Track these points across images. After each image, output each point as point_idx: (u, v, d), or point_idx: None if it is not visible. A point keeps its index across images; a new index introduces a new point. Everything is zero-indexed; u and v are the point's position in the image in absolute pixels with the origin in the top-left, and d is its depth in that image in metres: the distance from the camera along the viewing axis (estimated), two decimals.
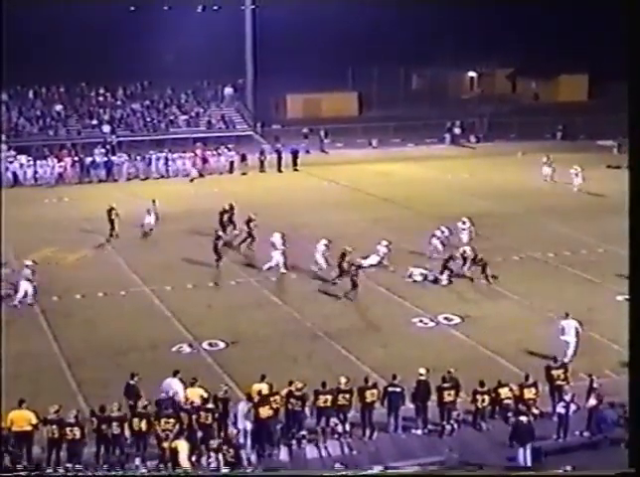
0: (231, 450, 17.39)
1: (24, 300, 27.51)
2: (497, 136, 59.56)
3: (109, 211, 35.19)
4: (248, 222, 33.52)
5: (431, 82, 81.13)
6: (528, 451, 18.11)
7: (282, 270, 30.55)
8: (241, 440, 18.40)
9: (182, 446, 17.59)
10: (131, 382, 19.80)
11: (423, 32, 72.36)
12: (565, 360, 22.15)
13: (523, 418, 18.38)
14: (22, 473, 17.08)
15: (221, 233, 32.29)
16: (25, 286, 27.63)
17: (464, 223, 33.32)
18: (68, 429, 17.68)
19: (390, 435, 19.54)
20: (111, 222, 35.01)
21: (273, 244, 30.99)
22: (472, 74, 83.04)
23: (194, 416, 18.48)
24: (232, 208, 35.29)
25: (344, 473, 17.89)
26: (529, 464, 17.99)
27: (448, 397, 19.48)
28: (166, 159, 48.79)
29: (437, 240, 31.85)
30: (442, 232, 32.27)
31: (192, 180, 47.62)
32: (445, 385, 19.56)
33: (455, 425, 19.57)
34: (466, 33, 73.40)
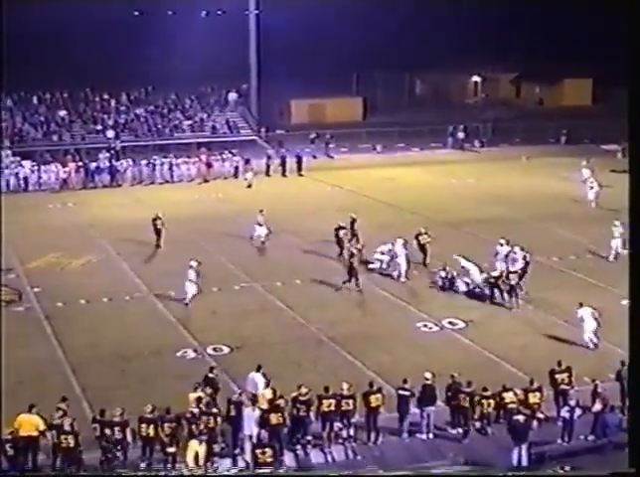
0: (267, 450, 17.45)
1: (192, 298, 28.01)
2: (501, 141, 59.45)
3: (154, 220, 34.34)
4: (418, 236, 31.71)
5: (435, 87, 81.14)
6: (524, 451, 18.13)
7: (402, 279, 30.19)
8: (247, 446, 18.44)
9: (196, 446, 17.68)
10: (210, 374, 20.26)
11: (427, 37, 72.33)
12: (590, 345, 23.75)
13: (519, 417, 18.40)
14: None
15: (353, 249, 30.12)
16: (191, 289, 27.94)
17: (515, 253, 29.68)
18: (62, 437, 17.73)
19: (395, 439, 19.54)
20: (157, 231, 34.25)
21: (396, 252, 30.56)
22: (476, 78, 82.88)
23: (196, 421, 18.51)
24: (353, 221, 33.69)
25: (346, 474, 17.94)
26: (524, 464, 18.03)
27: (464, 402, 19.51)
28: (170, 164, 48.77)
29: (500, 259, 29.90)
30: (501, 245, 30.41)
31: (249, 186, 46.49)
32: (466, 389, 19.56)
33: (468, 430, 19.58)
34: (470, 38, 73.37)
